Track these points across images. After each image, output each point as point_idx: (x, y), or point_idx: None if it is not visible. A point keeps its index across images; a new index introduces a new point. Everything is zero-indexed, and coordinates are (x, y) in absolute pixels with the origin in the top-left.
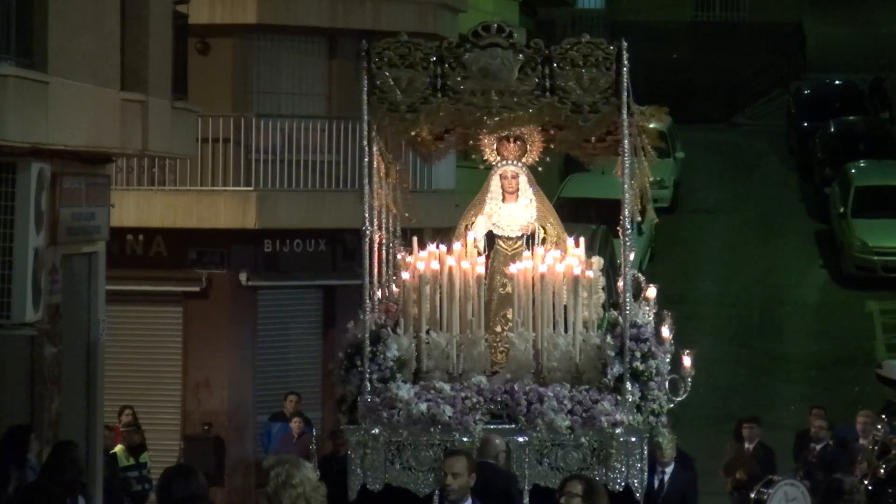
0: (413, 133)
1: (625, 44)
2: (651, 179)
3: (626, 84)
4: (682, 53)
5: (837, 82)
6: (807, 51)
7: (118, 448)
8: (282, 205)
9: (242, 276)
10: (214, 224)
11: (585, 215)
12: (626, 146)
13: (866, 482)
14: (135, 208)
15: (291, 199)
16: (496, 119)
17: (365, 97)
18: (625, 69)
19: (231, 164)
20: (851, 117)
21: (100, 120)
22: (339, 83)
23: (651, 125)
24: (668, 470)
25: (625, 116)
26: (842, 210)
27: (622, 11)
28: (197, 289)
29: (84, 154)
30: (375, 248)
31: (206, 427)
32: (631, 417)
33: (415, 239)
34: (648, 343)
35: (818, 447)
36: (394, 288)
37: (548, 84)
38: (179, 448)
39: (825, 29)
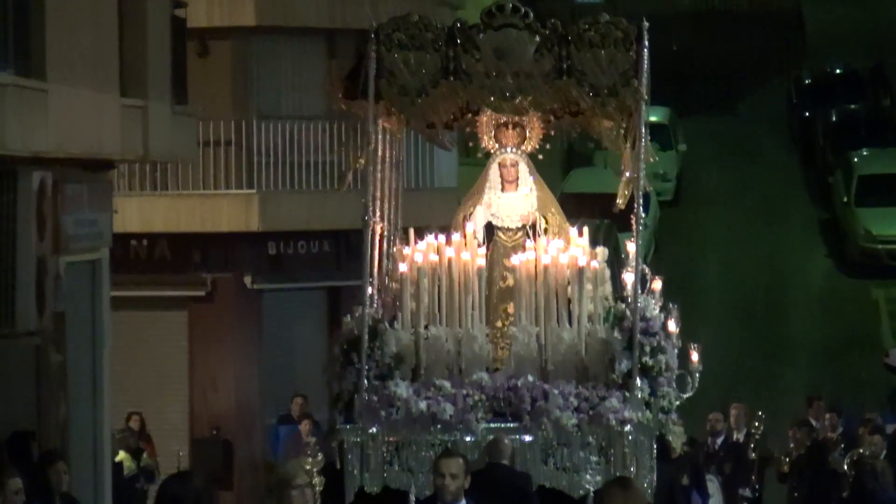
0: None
1: (646, 24)
2: (654, 160)
3: (646, 65)
4: (682, 43)
5: (838, 70)
6: (806, 38)
7: (122, 455)
8: (284, 206)
9: (247, 279)
10: (218, 227)
11: (589, 210)
12: (643, 129)
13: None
14: (138, 213)
15: (294, 200)
16: (512, 102)
17: (372, 80)
18: (645, 50)
19: (233, 167)
20: (853, 104)
21: (100, 126)
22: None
23: (652, 118)
24: None
25: (646, 98)
26: (845, 199)
27: (621, 2)
28: (202, 292)
29: (85, 160)
30: (377, 241)
31: (214, 430)
32: (640, 414)
33: (411, 230)
34: (657, 337)
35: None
36: (392, 282)
37: (565, 65)
38: (178, 456)
39: (824, 14)
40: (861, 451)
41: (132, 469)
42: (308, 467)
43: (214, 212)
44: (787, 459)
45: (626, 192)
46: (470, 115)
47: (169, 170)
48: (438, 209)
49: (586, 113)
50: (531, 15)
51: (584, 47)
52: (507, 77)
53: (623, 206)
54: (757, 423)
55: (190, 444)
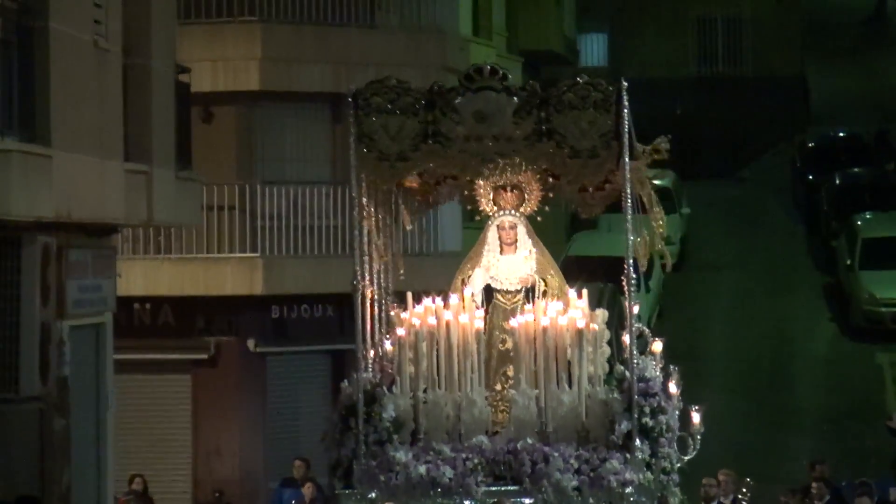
0: (403, 182)
1: (625, 84)
2: (661, 224)
3: (627, 126)
4: (686, 109)
5: (842, 134)
6: (811, 104)
7: None
8: (288, 270)
9: (250, 343)
10: (222, 291)
11: (593, 273)
12: (629, 190)
13: None
14: (142, 277)
15: (298, 264)
16: (491, 166)
17: (353, 144)
18: (625, 110)
19: (237, 231)
20: (857, 169)
21: (104, 192)
22: (344, 147)
23: (656, 181)
24: None
25: (626, 159)
26: (849, 262)
27: (626, 68)
28: (205, 356)
29: (89, 226)
30: (367, 305)
31: (217, 494)
32: (641, 476)
33: (409, 294)
34: (658, 398)
35: None
36: (388, 346)
37: (544, 128)
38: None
39: (828, 81)
40: None
41: None
42: None
43: (218, 276)
44: None
45: (646, 253)
46: (452, 180)
47: (173, 234)
48: (442, 274)
49: (570, 175)
50: (509, 77)
51: (563, 109)
52: (486, 140)
53: (645, 266)
54: (745, 490)
55: None
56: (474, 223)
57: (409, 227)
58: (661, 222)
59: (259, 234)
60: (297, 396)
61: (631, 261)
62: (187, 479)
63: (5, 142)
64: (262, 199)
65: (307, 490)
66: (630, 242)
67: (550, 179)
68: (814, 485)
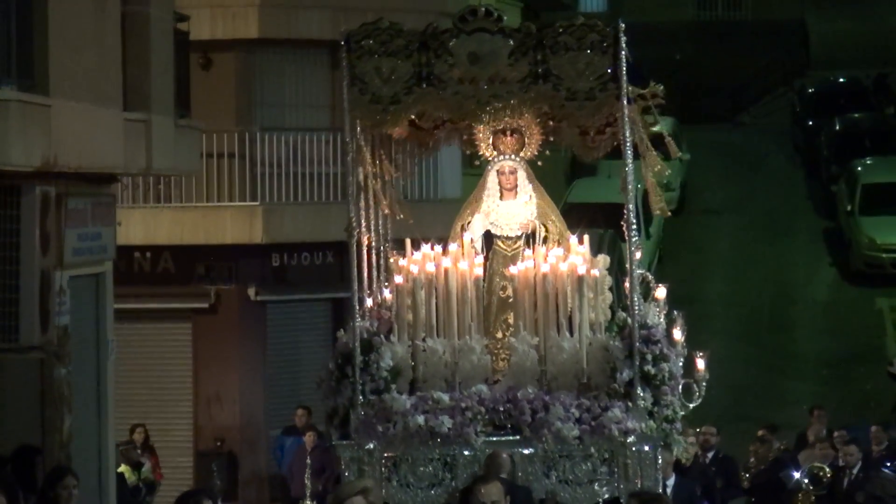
0: (396, 127)
1: (622, 24)
2: (659, 168)
3: (624, 68)
4: (686, 54)
5: (841, 79)
6: (810, 48)
7: (123, 467)
8: (288, 218)
9: (251, 291)
10: (221, 239)
11: (592, 220)
12: (627, 134)
13: None
14: (141, 225)
15: (298, 212)
16: (489, 109)
17: (346, 88)
18: (623, 52)
19: (237, 179)
20: (856, 114)
21: (103, 140)
22: (343, 94)
23: (653, 128)
24: (670, 482)
25: (624, 101)
26: (849, 208)
27: (624, 13)
28: (206, 305)
29: (88, 175)
30: (364, 252)
31: (218, 443)
32: (643, 425)
33: (408, 240)
34: (660, 345)
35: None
36: (386, 294)
37: (540, 70)
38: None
39: (828, 25)
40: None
41: (133, 482)
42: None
43: (218, 224)
44: (747, 475)
45: (659, 196)
46: (453, 124)
47: (173, 182)
48: (441, 221)
49: (568, 119)
50: (504, 18)
51: (559, 51)
52: (481, 83)
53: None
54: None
55: (194, 457)
56: (474, 169)
57: (395, 176)
58: (657, 168)
59: (259, 182)
60: (297, 344)
61: (631, 206)
62: (188, 428)
63: (3, 91)
64: (261, 146)
65: (309, 439)
66: (630, 187)
67: (551, 123)
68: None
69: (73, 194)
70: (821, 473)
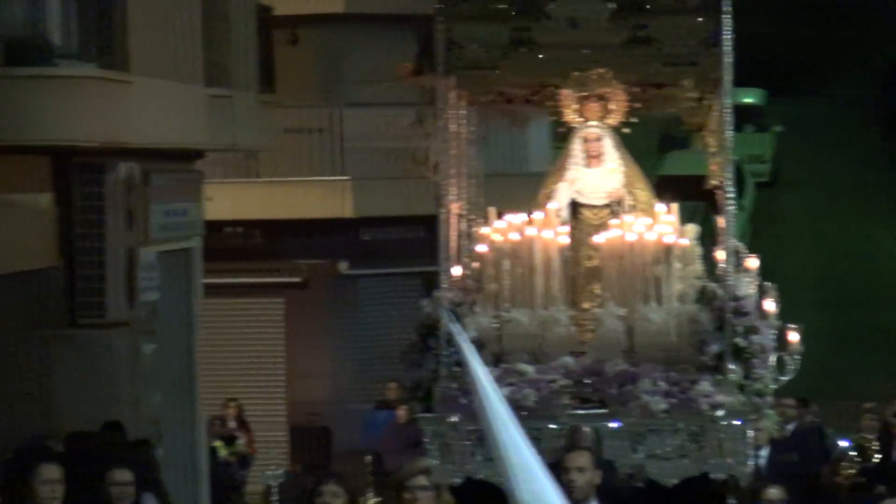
0: (493, 93)
1: None
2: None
3: (726, 31)
4: (775, 27)
5: None
6: None
7: (217, 442)
8: (377, 193)
9: (342, 265)
10: (311, 214)
11: (684, 193)
12: (727, 101)
13: None
14: (231, 201)
15: (386, 186)
16: (577, 74)
17: (441, 53)
18: (725, 15)
19: (326, 154)
20: None
21: (185, 117)
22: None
23: (745, 99)
24: (763, 453)
25: (727, 66)
26: None
27: None
28: (297, 279)
29: (173, 151)
30: (450, 223)
31: (311, 416)
32: (733, 399)
33: (491, 209)
34: (751, 317)
35: None
36: (472, 263)
37: (640, 34)
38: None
39: None
40: None
41: (225, 456)
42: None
43: (308, 199)
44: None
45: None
46: (553, 88)
47: (262, 158)
48: (530, 194)
49: (667, 85)
50: None
51: (660, 14)
52: (580, 48)
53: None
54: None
55: (288, 432)
56: (563, 142)
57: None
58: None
59: (347, 157)
60: (388, 318)
61: (728, 174)
62: (282, 402)
63: (84, 68)
64: (348, 121)
65: (401, 412)
66: (729, 156)
67: (638, 89)
68: None
69: (158, 171)
70: (866, 444)
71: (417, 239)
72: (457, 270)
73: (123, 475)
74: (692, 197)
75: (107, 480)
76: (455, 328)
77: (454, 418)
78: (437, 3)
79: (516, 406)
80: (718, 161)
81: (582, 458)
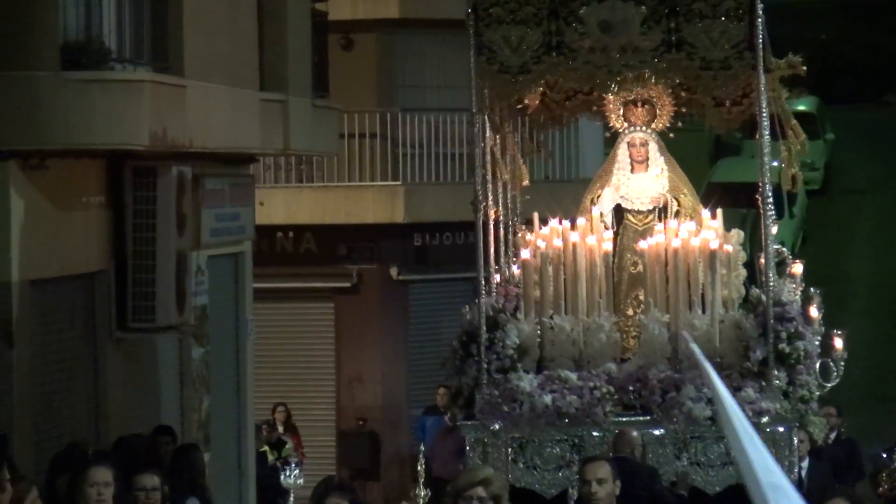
0: (524, 98)
1: None
2: (802, 141)
3: (761, 36)
4: (831, 32)
5: None
6: None
7: (265, 447)
8: (429, 198)
9: (393, 271)
10: (363, 219)
11: (736, 200)
12: (763, 105)
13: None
14: (283, 206)
15: (439, 192)
16: (618, 79)
17: (473, 58)
18: (759, 20)
19: (378, 159)
20: None
21: (239, 121)
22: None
23: (799, 107)
24: (804, 464)
25: (760, 71)
26: None
27: None
28: (348, 284)
29: (225, 155)
30: (490, 227)
31: (360, 422)
32: (778, 405)
33: (535, 214)
34: (795, 323)
35: None
36: (514, 269)
37: (674, 38)
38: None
39: None
40: None
41: (273, 461)
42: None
43: (360, 204)
44: None
45: (791, 174)
46: (584, 96)
47: (315, 162)
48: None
49: (702, 89)
50: None
51: (693, 18)
52: (612, 52)
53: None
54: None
55: (337, 437)
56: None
57: (536, 152)
58: (802, 138)
59: (400, 162)
60: (439, 324)
61: (766, 180)
62: (331, 407)
63: (138, 72)
64: (402, 126)
65: (450, 418)
66: (766, 161)
67: (683, 94)
68: None
69: (210, 175)
70: None
71: (469, 245)
72: (497, 277)
73: (151, 480)
74: (744, 204)
75: (133, 485)
76: (695, 348)
77: (496, 426)
78: (467, 7)
79: (559, 413)
80: (783, 170)
81: (602, 469)
